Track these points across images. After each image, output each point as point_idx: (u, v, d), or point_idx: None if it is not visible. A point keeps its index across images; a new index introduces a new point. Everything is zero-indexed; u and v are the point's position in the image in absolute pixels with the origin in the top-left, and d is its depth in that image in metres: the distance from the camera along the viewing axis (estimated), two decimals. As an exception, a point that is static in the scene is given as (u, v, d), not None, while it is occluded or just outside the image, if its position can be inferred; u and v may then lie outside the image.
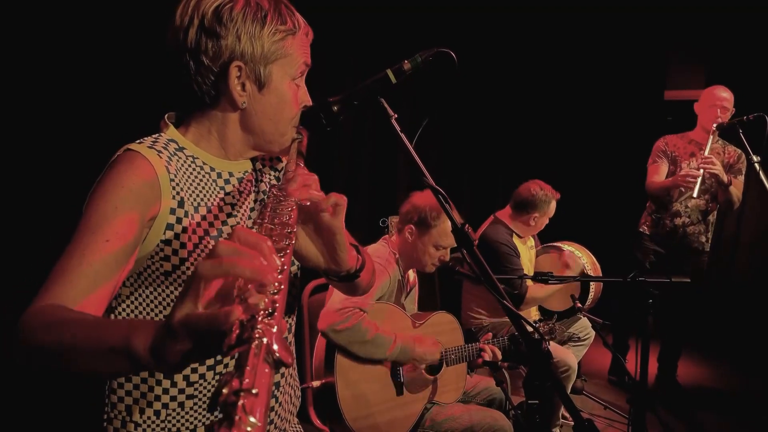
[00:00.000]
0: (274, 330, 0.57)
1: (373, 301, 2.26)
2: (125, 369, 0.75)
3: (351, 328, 2.11)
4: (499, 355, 2.49)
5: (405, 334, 2.30)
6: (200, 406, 1.15)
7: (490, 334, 2.59)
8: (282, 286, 0.64)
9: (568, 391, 3.23)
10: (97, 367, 0.77)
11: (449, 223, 2.43)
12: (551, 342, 3.06)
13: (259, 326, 0.56)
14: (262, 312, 0.59)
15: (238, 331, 0.56)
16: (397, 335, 2.24)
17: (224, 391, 0.49)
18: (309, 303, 2.53)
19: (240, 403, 0.48)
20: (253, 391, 0.49)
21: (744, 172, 3.85)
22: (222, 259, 0.62)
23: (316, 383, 2.21)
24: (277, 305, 0.61)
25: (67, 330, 0.79)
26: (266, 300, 0.60)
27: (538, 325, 2.67)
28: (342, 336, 2.12)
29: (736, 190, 3.72)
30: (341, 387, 2.15)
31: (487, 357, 2.46)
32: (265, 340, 0.55)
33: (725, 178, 3.57)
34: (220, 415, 0.48)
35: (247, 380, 0.50)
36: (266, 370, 0.53)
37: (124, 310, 1.10)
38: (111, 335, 0.74)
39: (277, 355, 0.55)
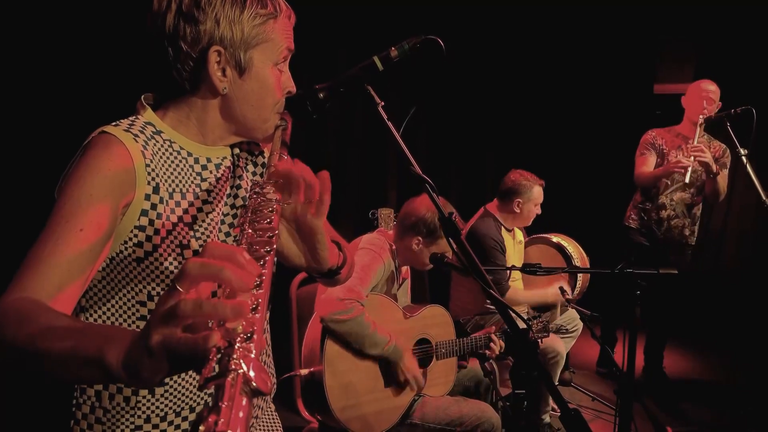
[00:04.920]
0: (252, 355, 0.57)
1: (369, 290, 2.25)
2: (98, 379, 0.74)
3: (353, 320, 2.12)
4: (503, 348, 2.49)
5: (398, 340, 2.28)
6: (171, 394, 1.14)
7: (493, 327, 2.58)
8: (260, 300, 0.63)
9: (557, 378, 3.25)
10: (69, 374, 0.76)
11: None
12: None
13: (235, 355, 0.56)
14: (239, 337, 0.58)
15: (214, 362, 0.56)
16: (392, 336, 2.24)
17: (201, 429, 0.50)
18: (297, 294, 2.52)
19: None
20: None
21: (728, 167, 3.87)
22: (203, 301, 0.60)
23: (304, 371, 2.21)
24: (256, 327, 0.60)
25: (40, 335, 0.77)
26: (244, 323, 0.60)
27: (531, 322, 2.66)
28: (344, 326, 2.12)
29: (722, 181, 3.74)
30: (329, 376, 2.14)
31: (497, 350, 2.45)
32: (241, 370, 0.55)
33: (714, 167, 3.59)
34: None
35: (222, 420, 0.50)
36: (243, 402, 0.53)
37: (95, 295, 1.08)
38: (84, 346, 0.72)
39: (254, 384, 0.55)
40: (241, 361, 0.55)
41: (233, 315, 0.59)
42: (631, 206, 4.11)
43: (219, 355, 0.57)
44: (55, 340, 0.75)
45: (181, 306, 0.60)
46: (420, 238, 2.45)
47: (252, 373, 0.55)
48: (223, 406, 0.51)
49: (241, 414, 0.52)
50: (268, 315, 1.32)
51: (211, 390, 0.54)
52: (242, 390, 0.54)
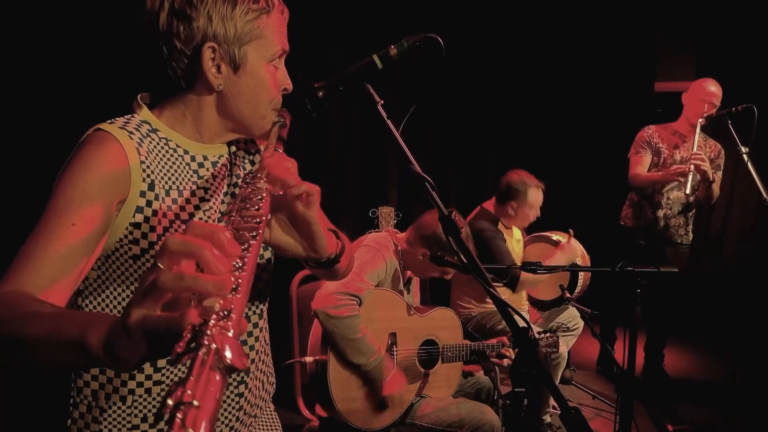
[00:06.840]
0: (230, 333, 0.57)
1: (369, 287, 2.23)
2: (79, 363, 0.74)
3: (343, 320, 2.09)
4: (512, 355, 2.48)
5: (386, 363, 2.25)
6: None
7: (504, 338, 2.55)
8: (241, 282, 0.63)
9: (558, 379, 3.24)
10: (51, 359, 0.76)
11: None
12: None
13: (209, 332, 0.56)
14: (215, 315, 0.58)
15: (187, 338, 0.56)
16: (381, 349, 2.21)
17: (168, 402, 0.49)
18: (297, 293, 2.51)
19: (179, 417, 0.48)
20: (194, 404, 0.49)
21: (722, 168, 3.86)
22: (184, 274, 0.60)
23: (309, 359, 2.20)
24: (234, 306, 0.60)
25: (25, 320, 0.78)
26: (221, 302, 0.60)
27: (540, 337, 2.63)
28: (332, 323, 2.10)
29: (716, 186, 3.72)
30: (332, 367, 2.14)
31: (508, 361, 2.43)
32: (214, 346, 0.54)
33: (711, 174, 3.57)
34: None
35: (189, 392, 0.50)
36: (216, 378, 0.53)
37: (91, 293, 1.08)
38: (68, 328, 0.73)
39: (228, 361, 0.54)
40: (215, 337, 0.55)
41: (214, 289, 0.59)
42: (627, 205, 4.09)
43: (194, 331, 0.56)
44: (38, 324, 0.76)
45: (161, 278, 0.60)
46: (426, 252, 2.42)
47: (228, 354, 0.55)
48: (192, 379, 0.51)
49: (212, 388, 0.52)
50: (266, 309, 1.32)
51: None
52: (214, 365, 0.54)
